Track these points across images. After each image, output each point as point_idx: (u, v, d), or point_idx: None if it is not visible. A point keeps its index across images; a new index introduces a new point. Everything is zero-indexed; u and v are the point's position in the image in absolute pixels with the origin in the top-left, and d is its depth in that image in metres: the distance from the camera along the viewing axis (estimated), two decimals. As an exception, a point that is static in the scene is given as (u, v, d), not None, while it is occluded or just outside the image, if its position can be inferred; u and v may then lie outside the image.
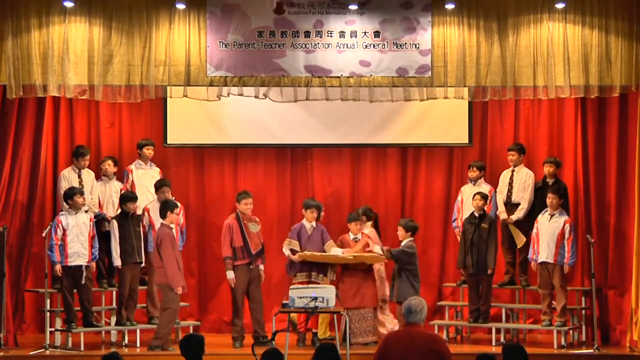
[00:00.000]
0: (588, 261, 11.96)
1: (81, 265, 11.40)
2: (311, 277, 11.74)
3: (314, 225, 11.94)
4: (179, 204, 11.70)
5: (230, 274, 11.65)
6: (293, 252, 11.75)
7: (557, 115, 12.91)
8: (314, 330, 11.66)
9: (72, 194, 11.48)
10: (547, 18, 11.45)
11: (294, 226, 12.04)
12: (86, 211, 11.67)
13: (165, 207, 11.45)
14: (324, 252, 11.83)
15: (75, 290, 11.45)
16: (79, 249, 11.39)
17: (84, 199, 11.65)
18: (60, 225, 11.34)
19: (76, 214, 11.44)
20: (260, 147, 13.19)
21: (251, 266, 11.76)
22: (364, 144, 13.10)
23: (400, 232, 11.66)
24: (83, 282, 11.42)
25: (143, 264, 11.85)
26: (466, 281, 12.22)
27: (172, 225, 11.49)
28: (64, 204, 11.55)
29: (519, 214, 12.24)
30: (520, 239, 12.17)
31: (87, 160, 12.20)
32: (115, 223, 11.66)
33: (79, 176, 12.08)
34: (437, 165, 13.26)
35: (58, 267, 11.29)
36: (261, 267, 11.87)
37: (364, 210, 12.26)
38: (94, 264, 11.58)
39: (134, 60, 11.37)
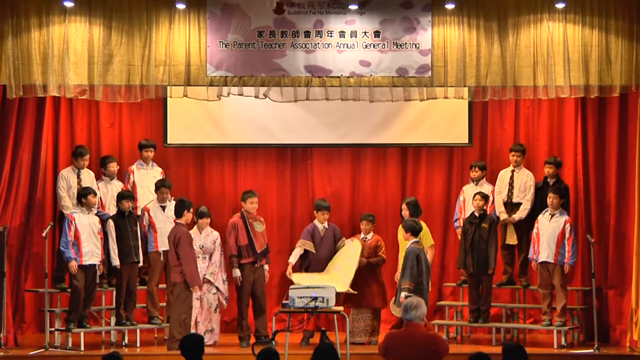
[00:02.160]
0: (588, 261, 11.96)
1: (95, 264, 11.43)
2: None
3: (326, 226, 12.09)
4: (192, 204, 11.67)
5: (236, 272, 11.70)
6: (307, 253, 11.96)
7: (557, 115, 12.91)
8: (323, 329, 11.65)
9: (87, 193, 11.51)
10: (547, 18, 11.46)
11: (307, 227, 12.19)
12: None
13: (182, 206, 11.45)
14: (336, 252, 11.97)
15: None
16: (92, 248, 11.40)
17: (97, 199, 11.69)
18: (73, 223, 11.34)
19: (88, 213, 11.46)
20: (260, 147, 13.18)
21: (256, 265, 11.79)
22: (364, 144, 13.10)
23: (402, 231, 11.43)
24: (97, 281, 11.51)
25: (142, 264, 11.86)
26: (466, 281, 12.22)
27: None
28: (77, 202, 11.59)
29: (521, 214, 12.23)
30: (513, 239, 12.16)
31: (87, 160, 12.19)
32: (111, 223, 11.65)
33: (78, 176, 12.08)
34: (437, 165, 13.25)
35: (74, 263, 11.27)
36: (266, 267, 11.94)
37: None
38: (101, 266, 11.57)
39: (134, 60, 11.37)
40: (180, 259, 11.25)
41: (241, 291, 11.77)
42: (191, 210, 11.49)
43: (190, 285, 11.22)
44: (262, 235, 11.92)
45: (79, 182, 12.02)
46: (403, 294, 10.64)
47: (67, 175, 12.08)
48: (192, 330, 11.28)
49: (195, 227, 11.78)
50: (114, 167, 12.34)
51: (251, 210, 11.89)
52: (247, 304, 11.79)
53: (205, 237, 11.74)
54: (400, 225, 11.89)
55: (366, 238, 12.10)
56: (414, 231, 10.95)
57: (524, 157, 12.49)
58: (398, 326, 8.01)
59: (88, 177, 12.15)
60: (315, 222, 12.14)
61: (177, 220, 11.46)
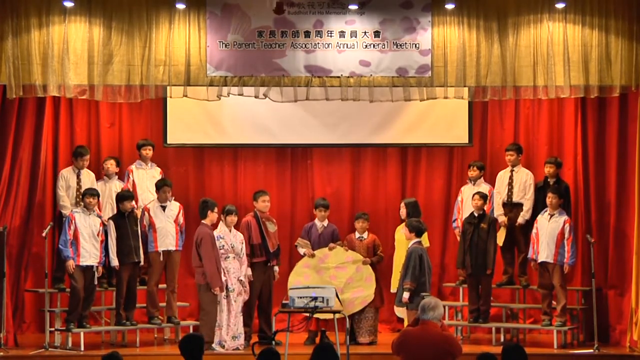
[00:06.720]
0: (588, 261, 11.96)
1: (92, 265, 11.41)
2: None
3: (325, 225, 12.10)
4: (217, 203, 11.63)
5: (248, 271, 11.67)
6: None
7: (557, 115, 12.92)
8: (322, 329, 11.66)
9: (84, 194, 11.54)
10: (547, 18, 11.46)
11: (306, 225, 12.27)
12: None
13: (205, 207, 11.46)
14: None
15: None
16: (90, 249, 11.40)
17: (96, 200, 11.67)
18: (73, 222, 11.34)
19: (89, 214, 11.46)
20: (260, 147, 13.19)
21: (268, 264, 11.80)
22: (364, 144, 13.10)
23: (405, 231, 11.30)
24: (96, 282, 11.49)
25: (142, 264, 11.85)
26: (465, 281, 12.22)
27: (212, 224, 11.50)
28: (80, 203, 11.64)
29: (525, 215, 12.21)
30: (500, 240, 12.16)
31: (87, 160, 12.20)
32: (112, 223, 11.65)
33: (78, 176, 12.08)
34: (437, 165, 13.26)
35: (71, 262, 11.27)
36: (276, 268, 11.95)
37: None
38: (100, 268, 11.56)
39: (134, 60, 11.37)
40: (202, 260, 11.25)
41: (251, 291, 11.75)
42: (215, 210, 11.47)
43: (212, 287, 11.21)
44: (274, 236, 11.94)
45: (78, 182, 12.04)
46: (405, 294, 10.67)
47: (67, 175, 12.10)
48: (216, 335, 11.25)
49: (223, 226, 11.56)
50: (108, 165, 12.32)
51: (263, 209, 11.90)
52: (254, 304, 11.79)
53: (233, 237, 11.59)
54: (399, 226, 11.91)
55: (362, 237, 12.09)
56: (419, 231, 11.01)
57: (520, 155, 12.48)
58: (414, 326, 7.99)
59: (88, 178, 12.16)
60: (315, 220, 12.18)
61: (202, 221, 11.46)
